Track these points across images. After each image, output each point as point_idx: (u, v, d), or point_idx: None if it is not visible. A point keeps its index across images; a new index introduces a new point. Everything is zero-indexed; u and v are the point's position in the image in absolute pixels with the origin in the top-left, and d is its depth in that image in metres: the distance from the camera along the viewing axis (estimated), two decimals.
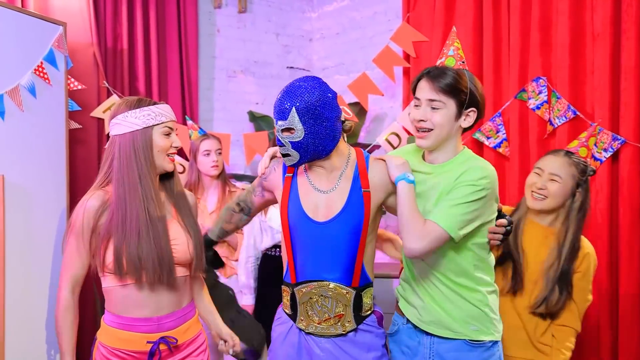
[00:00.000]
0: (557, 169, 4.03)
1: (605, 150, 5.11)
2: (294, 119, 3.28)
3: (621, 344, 5.10)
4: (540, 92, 5.59)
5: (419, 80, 3.41)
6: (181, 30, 7.30)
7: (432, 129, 3.33)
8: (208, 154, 5.68)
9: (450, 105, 3.32)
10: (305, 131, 3.29)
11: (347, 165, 3.49)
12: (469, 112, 3.37)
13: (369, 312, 3.55)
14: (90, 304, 6.42)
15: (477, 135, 5.98)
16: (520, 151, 5.77)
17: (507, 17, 5.91)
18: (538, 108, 5.61)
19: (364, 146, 7.10)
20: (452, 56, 3.49)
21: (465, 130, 3.44)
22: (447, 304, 3.42)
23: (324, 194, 3.46)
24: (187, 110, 7.27)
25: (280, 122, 3.31)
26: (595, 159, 5.17)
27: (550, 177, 4.04)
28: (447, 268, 3.41)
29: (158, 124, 3.35)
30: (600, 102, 5.20)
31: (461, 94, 3.32)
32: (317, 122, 3.30)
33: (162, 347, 3.37)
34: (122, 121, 3.33)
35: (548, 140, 5.61)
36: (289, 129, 3.31)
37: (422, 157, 3.57)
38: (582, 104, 5.39)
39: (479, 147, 6.09)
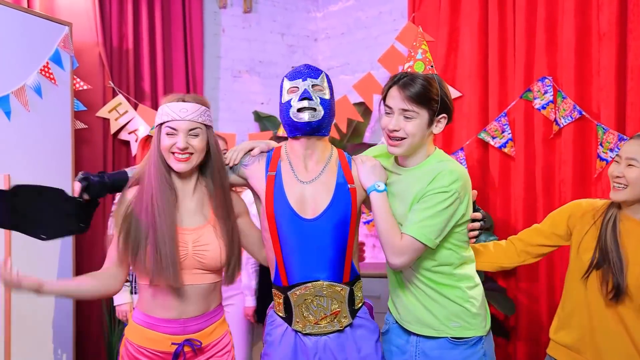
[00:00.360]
0: (634, 152, 3.50)
1: (612, 150, 5.10)
2: (323, 81, 3.38)
3: None
4: (545, 92, 5.58)
5: (389, 87, 3.37)
6: (186, 30, 7.32)
7: (405, 138, 3.32)
8: None
9: (423, 114, 3.30)
10: (329, 96, 3.40)
11: (330, 159, 3.51)
12: (440, 118, 3.37)
13: (361, 304, 3.57)
14: (95, 304, 6.43)
15: (483, 135, 5.98)
16: (525, 151, 5.77)
17: (512, 16, 5.91)
18: (544, 108, 5.60)
19: (369, 146, 7.09)
20: (421, 60, 3.43)
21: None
22: (428, 302, 3.42)
23: (307, 185, 3.45)
24: None
25: (310, 79, 3.36)
26: (601, 159, 5.16)
27: (627, 163, 3.52)
28: (427, 268, 3.40)
29: (162, 123, 3.36)
30: (606, 102, 5.19)
31: (433, 102, 3.30)
32: (333, 97, 3.43)
33: (187, 349, 3.36)
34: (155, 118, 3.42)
35: (554, 140, 5.61)
36: (319, 86, 3.37)
37: (394, 159, 3.58)
38: (588, 104, 5.38)
39: (484, 147, 6.10)
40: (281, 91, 3.45)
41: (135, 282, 5.40)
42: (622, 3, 5.12)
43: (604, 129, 5.15)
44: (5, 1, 5.15)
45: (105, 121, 6.60)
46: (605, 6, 5.18)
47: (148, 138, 5.70)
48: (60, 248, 5.61)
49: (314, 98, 3.34)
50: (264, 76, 8.23)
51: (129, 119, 6.66)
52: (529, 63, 5.76)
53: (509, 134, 5.87)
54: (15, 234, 5.03)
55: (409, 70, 3.37)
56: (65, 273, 5.64)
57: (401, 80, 3.31)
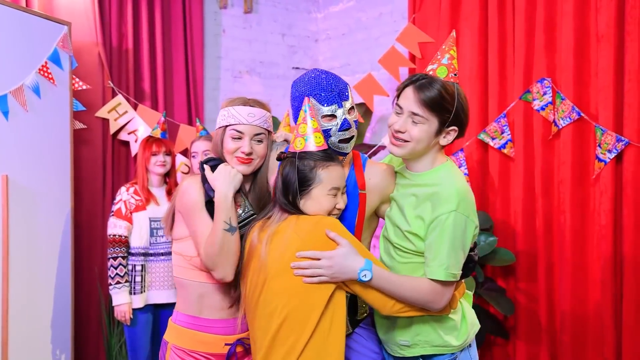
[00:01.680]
0: None
1: (609, 151, 5.10)
2: (351, 95, 3.27)
3: (625, 344, 5.10)
4: (544, 93, 5.59)
5: (405, 87, 3.22)
6: (187, 30, 7.30)
7: (408, 141, 3.17)
8: (194, 157, 5.68)
9: (432, 121, 3.13)
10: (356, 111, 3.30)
11: (342, 163, 3.31)
12: (450, 130, 3.20)
13: (365, 315, 3.51)
14: (94, 304, 6.42)
15: (482, 136, 5.98)
16: (525, 152, 5.78)
17: (512, 18, 5.92)
18: (543, 109, 5.61)
19: (370, 147, 7.10)
20: (445, 66, 3.27)
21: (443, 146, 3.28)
22: (429, 318, 3.25)
23: None
24: (192, 110, 7.28)
25: (344, 102, 3.21)
26: (600, 159, 5.16)
27: None
28: None
29: (227, 126, 3.31)
30: (604, 104, 5.19)
31: (445, 112, 3.14)
32: None
33: (239, 349, 3.33)
34: (218, 118, 3.39)
35: (552, 141, 5.61)
36: (352, 107, 3.26)
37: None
38: (586, 105, 5.38)
39: (484, 148, 6.10)
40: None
41: (134, 282, 5.40)
42: (619, 5, 5.11)
43: (602, 130, 5.14)
44: (3, 0, 5.14)
45: (105, 121, 6.60)
46: (604, 8, 5.18)
47: (149, 139, 5.70)
48: (60, 248, 5.61)
49: (351, 125, 3.24)
50: (264, 77, 8.23)
51: (128, 119, 6.66)
52: (528, 64, 5.77)
53: (508, 135, 5.87)
54: (13, 234, 5.03)
55: (430, 73, 3.26)
56: (64, 273, 5.65)
57: (418, 82, 3.16)
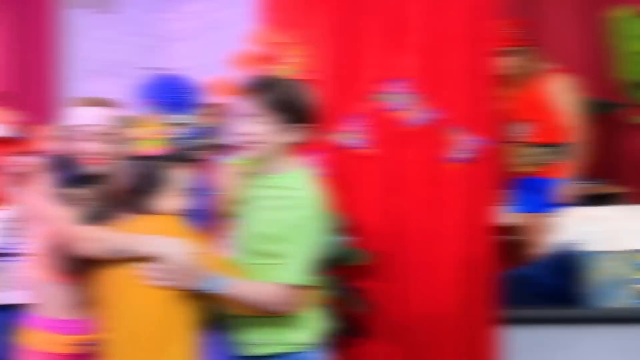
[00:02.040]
0: None
1: (463, 151, 5.19)
2: (202, 102, 3.31)
3: (475, 343, 5.19)
4: (399, 93, 5.64)
5: (247, 89, 3.27)
6: (40, 30, 7.15)
7: (253, 144, 3.22)
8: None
9: (274, 122, 3.17)
10: None
11: (195, 165, 3.39)
12: (295, 129, 3.23)
13: (219, 315, 3.45)
14: None
15: (336, 136, 6.00)
16: (379, 151, 5.83)
17: (367, 17, 5.94)
18: (397, 109, 5.65)
19: (226, 147, 7.08)
20: (288, 64, 3.34)
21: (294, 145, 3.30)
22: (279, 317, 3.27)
23: None
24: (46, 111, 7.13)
25: (194, 109, 3.32)
26: (453, 159, 5.25)
27: None
28: None
29: (76, 126, 3.39)
30: (458, 104, 5.34)
31: (287, 112, 3.18)
32: None
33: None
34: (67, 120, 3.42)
35: (407, 141, 5.68)
36: (204, 114, 3.30)
37: None
38: (441, 106, 5.49)
39: (337, 148, 6.12)
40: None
41: None
42: (472, 6, 5.21)
43: (456, 130, 5.23)
44: None
45: None
46: (457, 8, 5.28)
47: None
48: None
49: (201, 131, 3.44)
50: (119, 77, 8.10)
51: None
52: (383, 64, 5.82)
53: (362, 135, 5.90)
54: None
55: (273, 72, 3.28)
56: None
57: (258, 83, 3.26)
